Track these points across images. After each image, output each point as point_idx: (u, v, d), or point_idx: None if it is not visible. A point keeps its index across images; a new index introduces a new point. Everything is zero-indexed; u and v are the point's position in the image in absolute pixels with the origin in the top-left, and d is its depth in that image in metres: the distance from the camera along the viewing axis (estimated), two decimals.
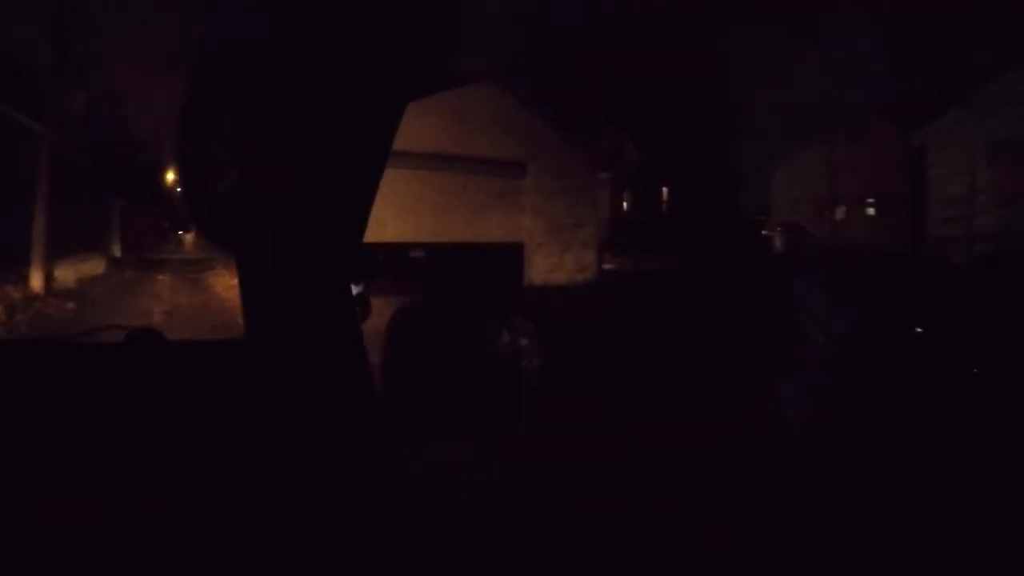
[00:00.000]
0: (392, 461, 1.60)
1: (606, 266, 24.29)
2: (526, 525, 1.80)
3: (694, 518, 4.41)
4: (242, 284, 1.73)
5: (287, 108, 1.56)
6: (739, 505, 4.43)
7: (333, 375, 1.61)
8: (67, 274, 16.27)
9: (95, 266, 19.28)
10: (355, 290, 1.70)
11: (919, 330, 6.72)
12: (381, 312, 1.90)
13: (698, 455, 5.45)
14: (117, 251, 23.43)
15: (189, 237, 39.99)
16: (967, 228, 26.12)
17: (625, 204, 39.53)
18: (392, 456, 1.61)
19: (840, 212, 36.08)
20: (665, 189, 44.50)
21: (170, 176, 38.41)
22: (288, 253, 1.62)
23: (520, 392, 1.89)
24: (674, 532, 4.27)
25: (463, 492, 1.70)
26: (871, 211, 36.13)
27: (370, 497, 1.51)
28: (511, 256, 21.35)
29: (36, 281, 14.55)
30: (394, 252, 19.28)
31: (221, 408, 1.58)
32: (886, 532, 4.14)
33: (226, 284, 16.28)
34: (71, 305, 14.06)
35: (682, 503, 4.68)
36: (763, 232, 37.09)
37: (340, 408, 1.60)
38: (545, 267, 21.75)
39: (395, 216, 18.61)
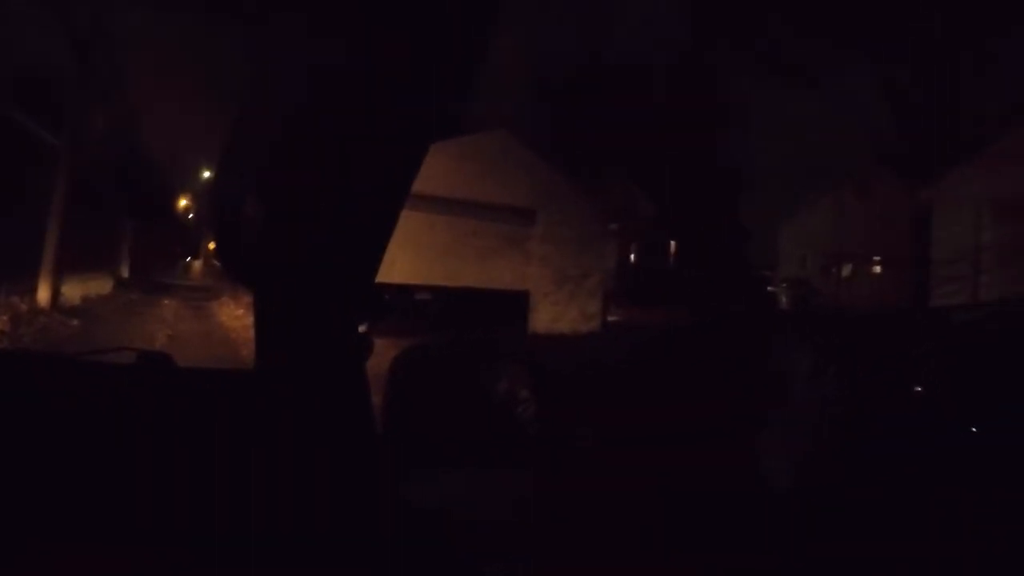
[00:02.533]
0: (392, 491, 1.64)
1: (611, 317, 24.25)
2: (524, 555, 1.84)
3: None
4: (257, 319, 1.79)
5: (313, 151, 1.62)
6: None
7: (337, 408, 1.67)
8: (74, 291, 16.30)
9: (102, 285, 19.36)
10: (359, 329, 1.75)
11: (918, 389, 6.67)
12: (383, 352, 1.95)
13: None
14: (125, 272, 23.55)
15: (197, 264, 40.24)
16: (972, 287, 25.96)
17: (632, 256, 39.60)
18: (392, 487, 1.66)
19: (846, 269, 36.21)
20: (673, 242, 44.63)
21: (182, 202, 38.74)
22: (303, 292, 1.68)
23: (516, 438, 1.93)
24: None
25: (461, 523, 1.74)
26: (877, 268, 36.26)
27: (370, 527, 1.56)
28: (516, 303, 21.38)
29: (43, 295, 14.58)
30: (401, 293, 19.33)
31: (227, 435, 1.63)
32: None
33: (230, 314, 16.29)
34: (75, 322, 14.04)
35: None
36: (768, 288, 37.32)
37: (342, 439, 1.65)
38: (550, 316, 21.70)
39: (403, 257, 18.49)
